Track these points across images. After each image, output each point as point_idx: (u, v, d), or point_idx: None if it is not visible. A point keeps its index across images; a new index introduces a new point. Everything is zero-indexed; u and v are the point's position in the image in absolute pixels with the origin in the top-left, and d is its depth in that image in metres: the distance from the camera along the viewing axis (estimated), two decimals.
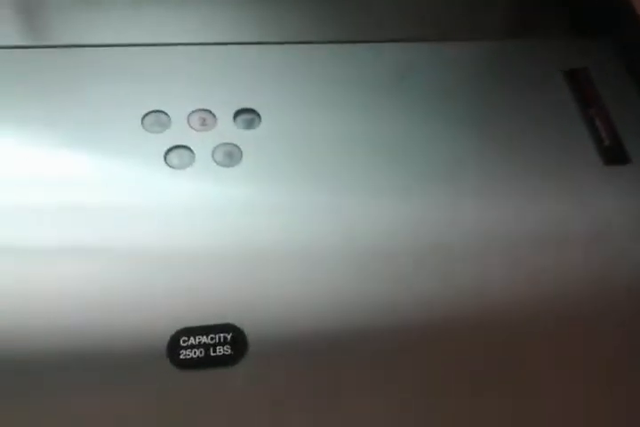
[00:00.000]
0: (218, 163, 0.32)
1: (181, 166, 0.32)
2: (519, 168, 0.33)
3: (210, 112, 0.33)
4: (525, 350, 0.30)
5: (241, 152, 0.32)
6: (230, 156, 0.32)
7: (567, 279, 0.31)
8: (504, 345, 0.30)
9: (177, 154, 0.32)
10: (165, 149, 0.32)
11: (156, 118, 0.33)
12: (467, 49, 0.38)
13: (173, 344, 0.27)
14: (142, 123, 0.33)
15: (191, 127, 0.33)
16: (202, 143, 0.32)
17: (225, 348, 0.28)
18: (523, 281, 0.31)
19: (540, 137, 0.35)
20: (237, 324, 0.28)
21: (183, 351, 0.27)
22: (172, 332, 0.28)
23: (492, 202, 0.32)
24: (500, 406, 0.29)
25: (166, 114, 0.33)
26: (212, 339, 0.28)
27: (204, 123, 0.33)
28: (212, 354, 0.28)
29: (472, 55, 0.38)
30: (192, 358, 0.27)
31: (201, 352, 0.28)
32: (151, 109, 0.33)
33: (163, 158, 0.32)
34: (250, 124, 0.33)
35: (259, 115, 0.34)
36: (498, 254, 0.31)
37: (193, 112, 0.33)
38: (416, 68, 0.36)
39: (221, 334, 0.28)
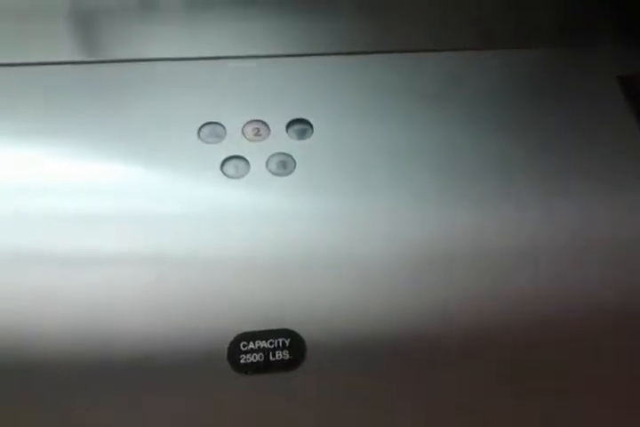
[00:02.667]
0: (272, 172, 0.33)
1: (237, 176, 0.32)
2: (572, 177, 0.33)
3: (263, 123, 0.34)
4: (586, 358, 0.30)
5: (294, 162, 0.33)
6: (284, 165, 0.33)
7: (615, 287, 0.31)
8: (563, 351, 0.30)
9: (233, 164, 0.33)
10: (222, 159, 0.33)
11: (211, 130, 0.34)
12: (515, 57, 0.38)
13: (234, 349, 0.28)
14: (199, 134, 0.33)
15: (246, 138, 0.34)
16: (256, 153, 0.33)
17: (284, 353, 0.28)
18: (572, 288, 0.30)
19: (593, 144, 0.34)
20: (296, 329, 0.29)
21: (243, 356, 0.28)
22: (232, 337, 0.28)
23: (543, 208, 0.32)
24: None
25: (222, 125, 0.34)
26: (270, 344, 0.28)
27: (257, 133, 0.34)
28: (271, 359, 0.28)
29: (521, 63, 0.38)
30: (252, 362, 0.28)
31: (260, 357, 0.28)
32: (207, 121, 0.34)
33: (219, 168, 0.33)
34: (302, 135, 0.34)
35: (311, 125, 0.34)
36: (548, 262, 0.31)
37: (247, 123, 0.34)
38: (466, 77, 0.36)
39: (280, 339, 0.28)
